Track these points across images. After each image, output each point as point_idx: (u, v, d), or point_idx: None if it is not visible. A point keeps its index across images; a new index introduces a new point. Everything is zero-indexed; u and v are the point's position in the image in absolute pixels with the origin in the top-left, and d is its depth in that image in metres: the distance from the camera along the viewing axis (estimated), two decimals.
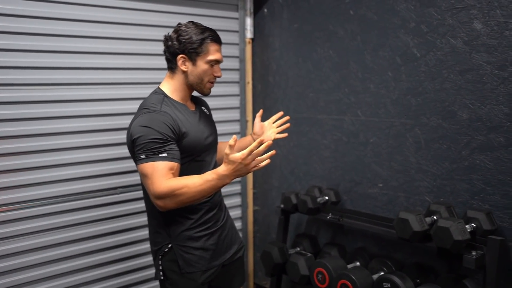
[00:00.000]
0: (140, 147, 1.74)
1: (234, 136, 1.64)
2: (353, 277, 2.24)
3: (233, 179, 1.70)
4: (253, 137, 2.30)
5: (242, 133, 3.30)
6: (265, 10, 3.25)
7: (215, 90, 3.04)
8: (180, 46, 1.87)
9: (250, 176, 3.38)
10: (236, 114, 3.28)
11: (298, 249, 2.82)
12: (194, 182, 1.69)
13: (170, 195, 1.69)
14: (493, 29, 2.12)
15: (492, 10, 2.11)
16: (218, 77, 1.97)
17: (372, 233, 2.71)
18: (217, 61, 1.94)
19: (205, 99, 2.21)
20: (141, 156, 1.73)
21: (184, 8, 2.89)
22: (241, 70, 3.26)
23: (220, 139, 3.02)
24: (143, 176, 1.74)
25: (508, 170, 2.13)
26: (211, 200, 1.99)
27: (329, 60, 2.85)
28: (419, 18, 2.39)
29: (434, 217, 2.21)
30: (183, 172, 1.85)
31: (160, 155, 1.72)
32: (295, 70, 3.08)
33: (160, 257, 1.96)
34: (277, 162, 3.25)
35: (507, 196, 2.15)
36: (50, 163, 2.46)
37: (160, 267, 1.95)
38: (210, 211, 1.99)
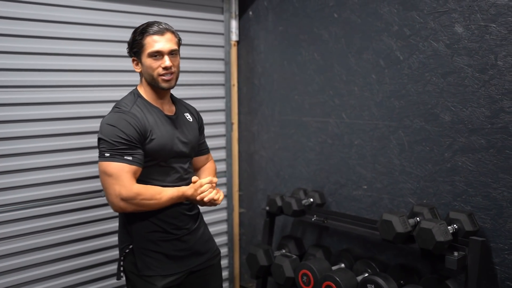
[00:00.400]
0: (105, 145, 1.78)
1: (216, 179, 1.95)
2: (338, 279, 2.26)
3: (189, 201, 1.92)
4: None
5: (228, 135, 3.30)
6: (250, 12, 3.26)
7: (200, 92, 3.10)
8: (128, 50, 1.94)
9: (235, 179, 3.38)
10: (221, 117, 3.28)
11: (284, 251, 2.83)
12: (161, 196, 1.85)
13: (136, 199, 1.78)
14: (474, 33, 2.15)
15: (473, 14, 2.14)
16: (167, 67, 1.87)
17: (357, 235, 2.73)
18: (159, 52, 1.86)
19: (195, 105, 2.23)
20: (106, 154, 1.76)
21: (168, 11, 2.89)
22: (227, 73, 3.26)
23: (206, 141, 3.01)
24: (106, 174, 1.77)
25: (489, 172, 2.16)
26: (178, 207, 1.97)
27: (313, 62, 2.87)
28: (402, 22, 2.42)
29: (417, 218, 2.23)
30: (146, 174, 1.88)
31: (126, 157, 1.77)
32: (280, 72, 3.09)
33: (122, 257, 1.97)
34: (263, 164, 3.26)
35: (488, 197, 2.17)
36: (35, 165, 2.45)
37: (122, 268, 1.96)
38: (176, 217, 1.96)
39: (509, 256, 2.13)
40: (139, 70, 1.93)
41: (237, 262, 3.48)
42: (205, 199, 1.90)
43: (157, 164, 1.90)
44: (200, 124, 2.18)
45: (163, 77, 1.89)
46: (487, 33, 2.11)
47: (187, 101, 2.94)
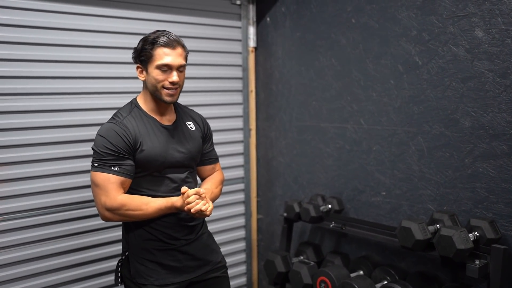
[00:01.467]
0: (95, 156, 1.82)
1: (204, 190, 1.83)
2: (356, 286, 2.23)
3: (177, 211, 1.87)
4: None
5: (245, 141, 3.31)
6: (268, 19, 3.26)
7: (218, 98, 3.11)
8: (135, 56, 1.92)
9: (253, 185, 3.38)
10: (239, 123, 3.29)
11: (302, 257, 2.81)
12: (148, 208, 1.83)
13: (121, 210, 1.79)
14: (495, 37, 2.12)
15: (493, 18, 2.11)
16: (174, 82, 1.87)
17: (375, 242, 2.70)
18: (167, 66, 1.85)
19: (203, 111, 2.18)
20: (95, 164, 1.81)
21: (186, 18, 2.91)
22: (244, 79, 3.27)
23: (223, 148, 3.01)
24: (94, 184, 1.82)
25: (511, 179, 2.12)
26: (174, 217, 1.95)
27: (331, 68, 2.86)
28: (420, 26, 2.39)
29: (437, 225, 2.20)
30: (138, 184, 1.89)
31: (113, 168, 1.79)
32: (298, 78, 3.09)
33: (120, 263, 1.98)
34: (281, 170, 3.25)
35: (511, 204, 2.13)
36: (26, 175, 2.40)
37: (119, 274, 1.99)
38: (172, 227, 1.95)
39: None
40: (143, 78, 1.92)
41: (255, 269, 3.48)
42: (192, 210, 1.79)
43: (149, 174, 1.90)
44: (205, 133, 2.14)
45: (168, 91, 1.89)
46: (508, 37, 2.07)
47: (205, 108, 2.97)
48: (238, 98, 3.27)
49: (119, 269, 1.99)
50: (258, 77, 3.36)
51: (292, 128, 3.16)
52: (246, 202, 3.36)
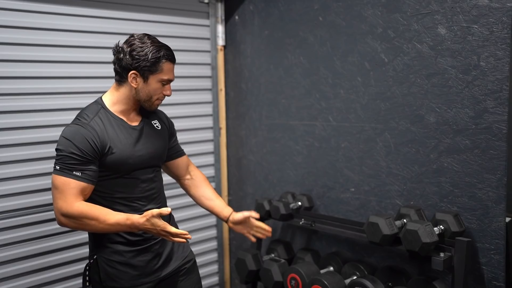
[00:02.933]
0: (58, 158, 1.75)
1: (169, 210, 1.71)
2: (325, 282, 2.25)
3: (141, 231, 1.79)
4: (230, 219, 2.22)
5: (215, 140, 3.29)
6: (236, 17, 3.26)
7: (187, 97, 3.09)
8: (133, 62, 1.81)
9: (224, 184, 3.37)
10: (209, 122, 3.27)
11: (272, 255, 2.82)
12: (106, 220, 1.73)
13: (77, 218, 1.72)
14: (457, 34, 2.16)
15: (455, 15, 2.15)
16: (168, 95, 1.93)
17: (345, 238, 2.72)
18: (169, 80, 1.90)
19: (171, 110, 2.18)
20: (56, 167, 1.75)
21: (154, 16, 2.89)
22: (213, 77, 3.25)
23: (193, 147, 3.01)
24: (53, 187, 1.75)
25: (474, 172, 2.17)
26: None
27: (300, 66, 2.87)
28: (386, 24, 2.42)
29: (404, 220, 2.23)
30: (111, 187, 1.84)
31: (74, 172, 1.73)
32: (267, 76, 3.09)
33: (87, 267, 1.93)
34: (251, 168, 3.25)
35: (474, 198, 2.18)
36: (20, 173, 2.41)
37: (87, 278, 1.93)
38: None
39: (495, 256, 2.13)
40: (135, 86, 1.85)
41: (227, 268, 3.47)
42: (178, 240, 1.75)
43: (120, 176, 1.86)
44: (170, 130, 2.13)
45: (159, 102, 1.93)
46: (469, 34, 2.12)
47: (175, 107, 2.96)
48: (208, 96, 3.25)
49: (87, 273, 1.94)
50: (228, 76, 3.35)
51: (262, 126, 3.16)
52: None
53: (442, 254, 2.06)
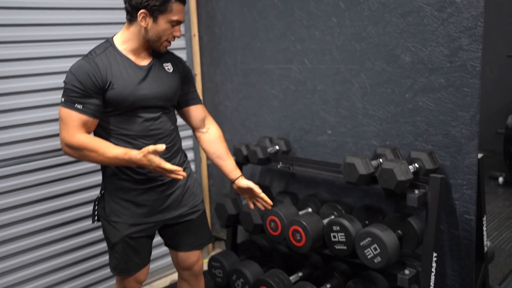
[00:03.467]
0: (64, 92, 1.82)
1: (164, 146, 1.74)
2: (304, 223, 2.29)
3: (137, 166, 1.82)
4: (236, 183, 2.15)
5: None
6: None
7: None
8: (143, 1, 1.80)
9: None
10: None
11: None
12: (105, 152, 1.79)
13: (78, 149, 1.79)
14: None
15: None
16: (178, 37, 1.92)
17: (323, 180, 2.76)
18: (179, 22, 1.88)
19: None
20: (62, 99, 1.81)
21: None
22: (186, 22, 3.16)
23: None
24: (60, 119, 1.82)
25: (449, 111, 2.19)
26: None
27: (274, 8, 2.80)
28: None
29: (380, 160, 2.26)
30: (113, 122, 1.88)
31: (76, 105, 1.78)
32: (241, 20, 3.01)
33: (96, 202, 2.02)
34: (228, 114, 3.23)
35: (448, 135, 2.21)
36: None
37: (96, 212, 2.02)
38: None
39: (467, 191, 2.20)
40: (144, 25, 1.84)
41: (208, 213, 3.51)
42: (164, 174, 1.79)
43: (122, 113, 1.88)
44: (185, 75, 2.08)
45: (167, 44, 1.92)
46: None
47: None
48: (181, 42, 3.17)
49: (96, 208, 2.02)
50: (201, 20, 3.26)
51: (237, 71, 3.11)
52: (195, 149, 3.34)
53: (416, 191, 2.11)
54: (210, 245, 3.58)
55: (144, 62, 1.93)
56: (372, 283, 2.42)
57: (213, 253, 3.17)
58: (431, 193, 2.08)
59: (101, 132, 1.90)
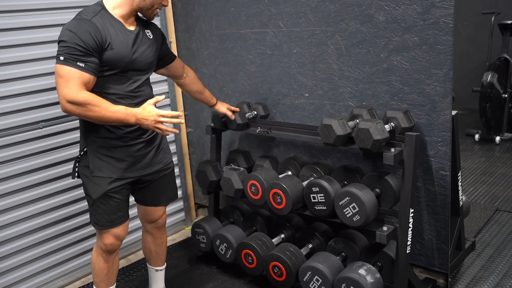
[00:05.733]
0: (62, 50, 1.83)
1: (163, 97, 1.93)
2: (284, 185, 2.32)
3: (136, 123, 1.89)
4: (215, 108, 2.67)
5: None
6: None
7: None
8: None
9: (179, 98, 3.33)
10: None
11: (232, 165, 2.87)
12: (107, 108, 1.85)
13: (82, 105, 1.82)
14: None
15: None
16: (165, 6, 2.08)
17: (302, 143, 2.79)
18: None
19: None
20: (61, 58, 1.83)
21: None
22: None
23: None
24: (58, 76, 1.83)
25: (423, 69, 2.21)
26: None
27: None
28: None
29: (357, 120, 2.28)
30: (103, 83, 1.95)
31: (78, 63, 1.82)
32: None
33: (78, 159, 2.10)
34: (205, 81, 3.20)
35: (423, 93, 2.24)
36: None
37: (76, 169, 2.11)
38: (131, 126, 2.02)
39: (441, 148, 2.24)
40: None
41: (189, 181, 3.53)
42: (164, 132, 1.93)
43: (115, 74, 1.96)
44: (162, 40, 2.24)
45: (156, 12, 2.06)
46: None
47: None
48: None
49: (77, 165, 2.10)
50: None
51: (212, 37, 3.07)
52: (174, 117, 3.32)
53: (392, 150, 2.15)
54: (194, 212, 3.61)
55: (131, 27, 2.03)
56: (352, 241, 2.48)
57: (196, 220, 3.20)
58: (406, 151, 2.12)
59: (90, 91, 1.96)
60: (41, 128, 2.62)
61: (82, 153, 2.08)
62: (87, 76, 1.85)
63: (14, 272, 2.61)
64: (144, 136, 2.11)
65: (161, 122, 1.89)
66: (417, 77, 2.24)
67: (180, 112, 1.92)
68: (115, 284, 2.29)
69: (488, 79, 4.82)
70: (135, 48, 2.00)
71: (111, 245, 2.14)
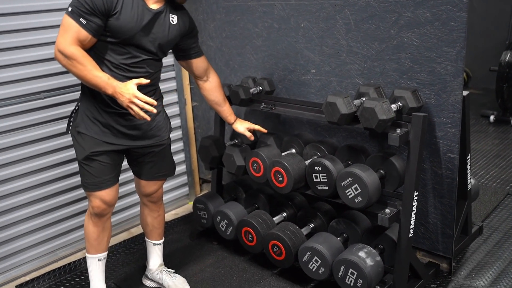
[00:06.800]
0: (73, 2, 1.86)
1: (148, 81, 1.91)
2: (286, 164, 2.27)
3: (112, 95, 1.87)
4: (233, 127, 2.54)
5: None
6: None
7: None
8: None
9: (185, 73, 3.27)
10: None
11: (236, 141, 2.81)
12: (90, 70, 1.86)
13: (69, 58, 1.84)
14: None
15: None
16: None
17: (307, 120, 2.72)
18: None
19: None
20: (69, 9, 1.86)
21: None
22: None
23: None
24: (61, 25, 1.87)
25: (434, 46, 2.11)
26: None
27: None
28: None
29: (363, 98, 2.20)
30: (103, 49, 1.95)
31: (81, 19, 1.84)
32: None
33: (72, 113, 2.12)
34: (211, 54, 3.13)
35: (433, 72, 2.14)
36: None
37: (70, 123, 2.12)
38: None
39: (450, 129, 2.16)
40: None
41: (194, 156, 3.49)
42: (137, 115, 1.87)
43: (116, 43, 1.95)
44: (189, 31, 2.17)
45: None
46: None
47: None
48: None
49: (71, 119, 2.13)
50: None
51: (219, 9, 2.99)
52: (179, 90, 3.26)
53: (398, 130, 2.07)
54: (198, 187, 3.58)
55: (155, 5, 1.98)
56: (355, 223, 2.43)
57: (198, 195, 3.17)
58: (413, 132, 2.04)
59: (89, 53, 1.94)
60: (42, 99, 2.59)
61: (77, 108, 2.10)
62: (84, 34, 1.86)
63: (19, 240, 2.63)
64: None
65: (135, 104, 1.85)
66: (428, 55, 2.14)
67: (155, 102, 1.88)
68: (106, 252, 2.27)
69: (507, 58, 4.65)
70: (147, 26, 1.96)
71: (98, 208, 2.13)
